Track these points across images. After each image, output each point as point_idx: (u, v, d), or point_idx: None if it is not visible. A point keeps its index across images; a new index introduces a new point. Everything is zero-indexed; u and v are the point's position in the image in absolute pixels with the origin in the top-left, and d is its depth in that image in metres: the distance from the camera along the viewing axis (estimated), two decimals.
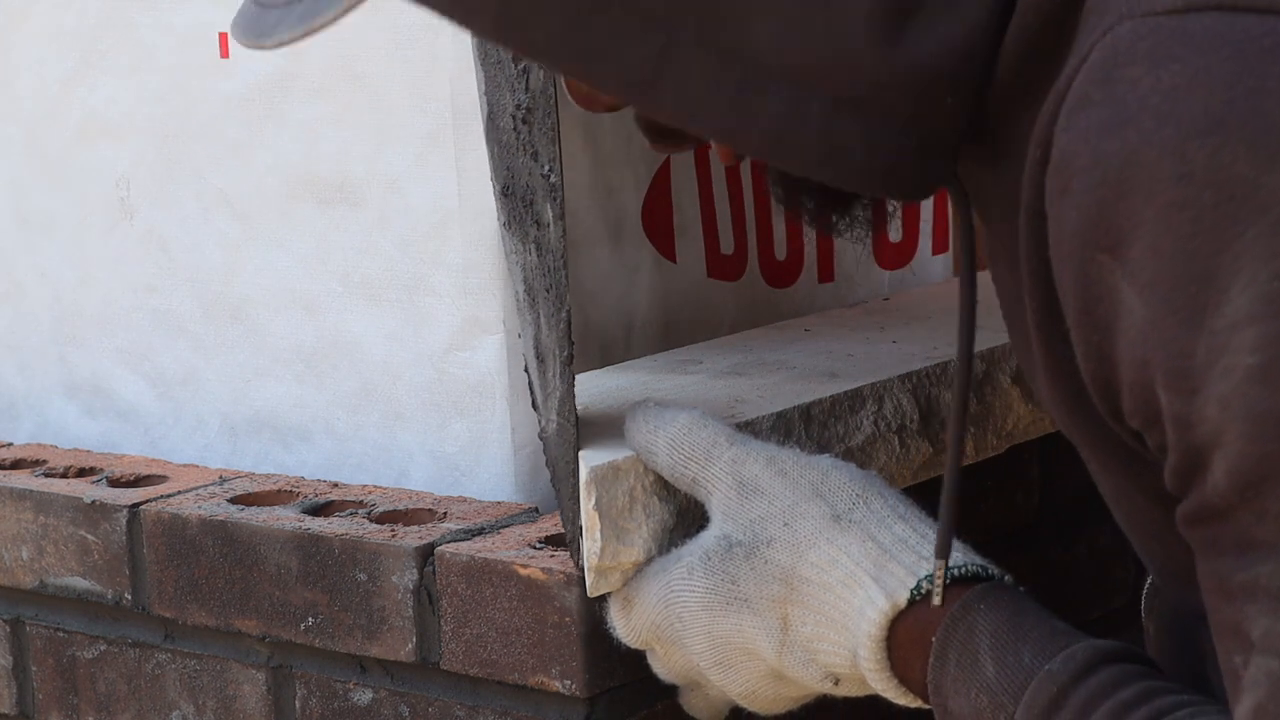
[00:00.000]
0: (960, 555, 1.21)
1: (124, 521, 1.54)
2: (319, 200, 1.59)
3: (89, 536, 1.56)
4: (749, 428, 1.36)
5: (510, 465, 1.53)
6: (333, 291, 1.59)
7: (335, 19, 1.11)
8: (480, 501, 1.51)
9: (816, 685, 1.27)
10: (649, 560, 1.31)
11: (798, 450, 1.29)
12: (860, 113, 1.10)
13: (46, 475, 1.64)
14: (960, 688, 1.17)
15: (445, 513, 1.49)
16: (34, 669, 1.61)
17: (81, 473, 1.64)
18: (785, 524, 1.25)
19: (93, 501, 1.56)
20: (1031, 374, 1.18)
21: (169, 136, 1.66)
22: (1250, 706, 1.01)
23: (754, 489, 1.27)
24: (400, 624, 1.42)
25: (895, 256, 1.91)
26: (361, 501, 1.52)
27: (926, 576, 1.20)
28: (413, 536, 1.43)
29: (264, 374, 1.64)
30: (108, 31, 1.68)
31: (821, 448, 1.41)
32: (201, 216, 1.65)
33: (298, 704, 1.49)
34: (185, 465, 1.66)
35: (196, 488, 1.58)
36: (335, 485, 1.57)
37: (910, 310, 1.74)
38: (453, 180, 1.51)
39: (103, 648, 1.57)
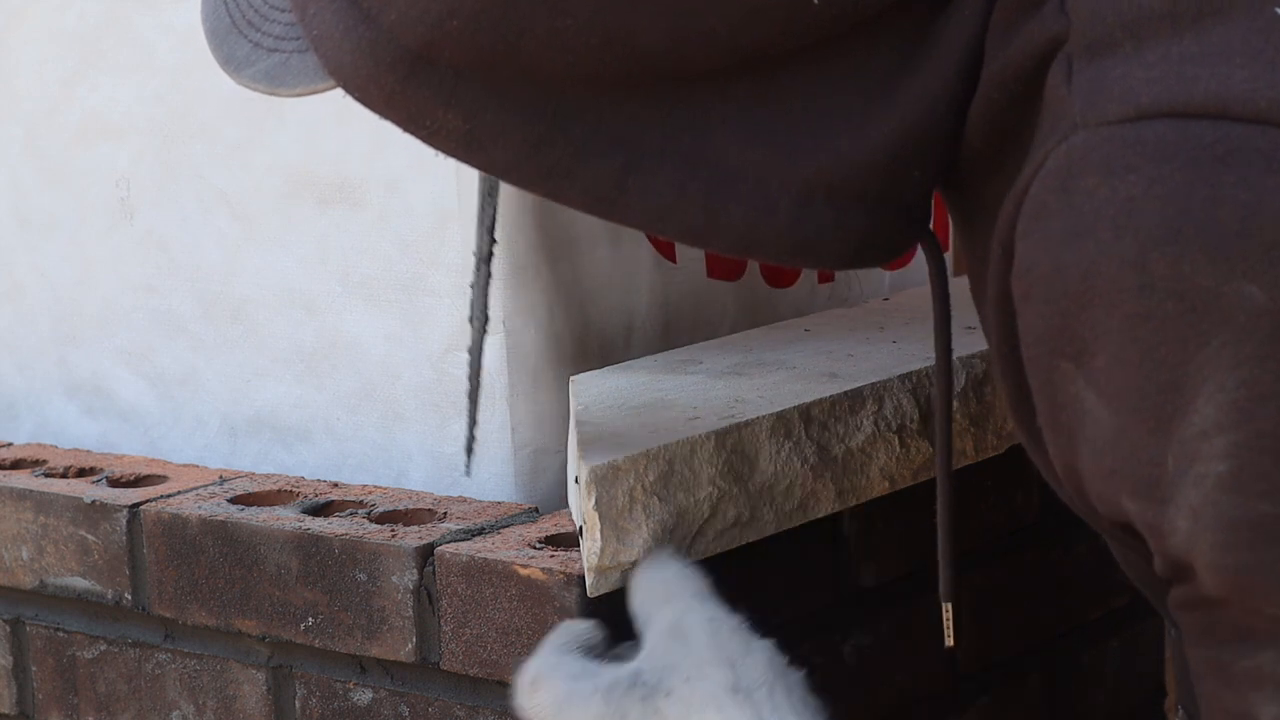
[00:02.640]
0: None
1: (124, 521, 1.54)
2: (319, 200, 1.59)
3: (89, 536, 1.56)
4: (749, 428, 1.36)
5: (510, 465, 1.52)
6: (332, 291, 1.59)
7: (297, 94, 1.15)
8: (480, 501, 1.51)
9: None
10: (646, 552, 1.30)
11: (749, 630, 1.25)
12: (831, 200, 1.11)
13: (46, 475, 1.64)
14: None
15: (445, 513, 1.49)
16: (34, 669, 1.61)
17: (81, 473, 1.64)
18: (687, 679, 1.21)
19: (93, 501, 1.56)
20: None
21: (169, 136, 1.66)
22: None
23: (680, 637, 1.24)
24: (400, 624, 1.42)
25: None
26: (361, 501, 1.52)
27: None
28: (412, 536, 1.43)
29: (264, 374, 1.64)
30: (108, 31, 1.68)
31: (821, 448, 1.41)
32: (201, 216, 1.65)
33: (298, 704, 1.49)
34: (185, 465, 1.66)
35: (196, 488, 1.58)
36: (335, 485, 1.57)
37: (910, 310, 1.74)
38: (452, 180, 1.51)
39: (103, 648, 1.57)
